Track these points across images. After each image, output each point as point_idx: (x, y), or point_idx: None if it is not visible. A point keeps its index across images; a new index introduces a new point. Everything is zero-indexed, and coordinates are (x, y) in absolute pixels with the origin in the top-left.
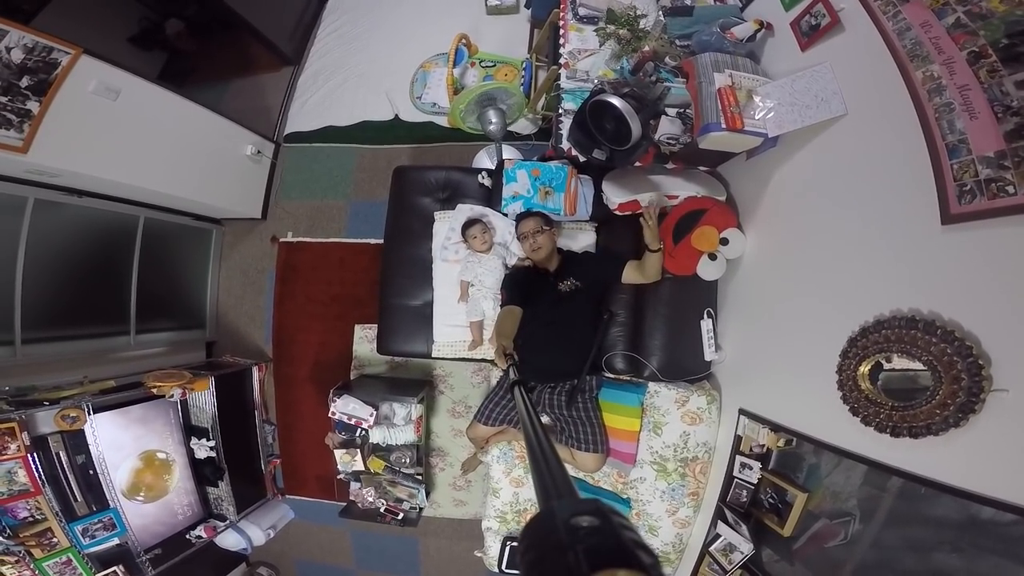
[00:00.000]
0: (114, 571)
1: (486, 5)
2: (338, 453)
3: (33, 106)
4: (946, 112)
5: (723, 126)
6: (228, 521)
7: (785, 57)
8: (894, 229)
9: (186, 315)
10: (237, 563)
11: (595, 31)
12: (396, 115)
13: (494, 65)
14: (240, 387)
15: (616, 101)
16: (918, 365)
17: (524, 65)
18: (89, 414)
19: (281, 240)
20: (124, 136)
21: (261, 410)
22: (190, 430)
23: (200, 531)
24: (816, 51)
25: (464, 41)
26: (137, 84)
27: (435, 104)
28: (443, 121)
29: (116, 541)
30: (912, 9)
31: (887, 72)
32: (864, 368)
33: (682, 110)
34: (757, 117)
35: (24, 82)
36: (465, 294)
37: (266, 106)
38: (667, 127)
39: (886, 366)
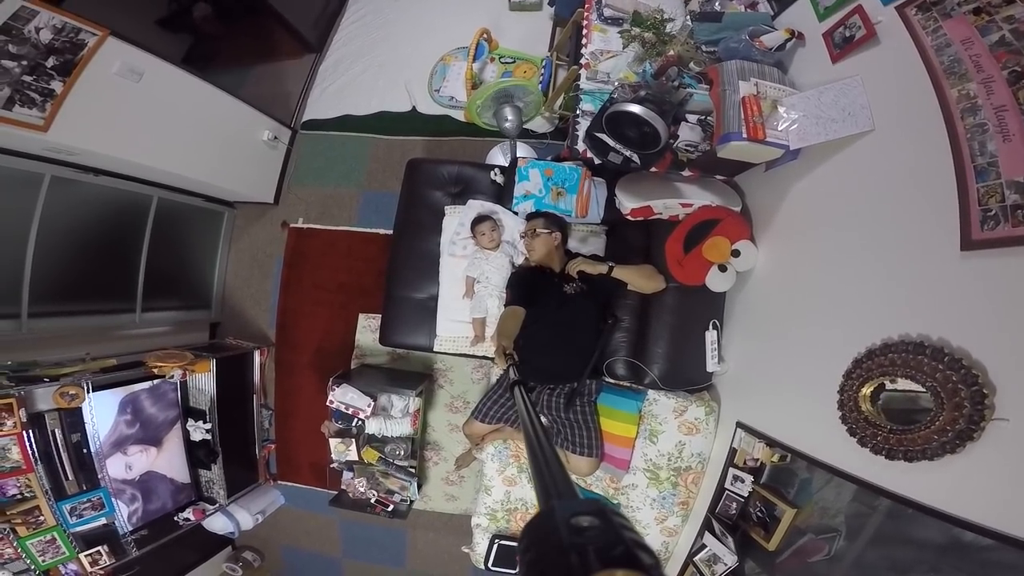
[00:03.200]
0: (98, 551)
1: (509, 1)
2: (333, 442)
3: (57, 86)
4: (978, 133)
5: (744, 136)
6: (218, 505)
7: (814, 68)
8: (911, 251)
9: (192, 295)
10: (223, 546)
11: (619, 33)
12: (413, 107)
13: (513, 62)
14: (241, 371)
15: (635, 108)
16: (920, 389)
17: (544, 63)
18: (88, 392)
19: (291, 226)
20: (144, 117)
21: (260, 394)
22: (188, 412)
23: (189, 513)
24: (847, 64)
25: (485, 36)
26: (160, 67)
27: (452, 98)
28: (459, 115)
29: (103, 521)
30: (955, 25)
31: (920, 88)
32: (867, 390)
33: (703, 117)
34: (780, 128)
35: (50, 62)
36: (470, 290)
37: (286, 93)
38: (686, 134)
39: (888, 386)
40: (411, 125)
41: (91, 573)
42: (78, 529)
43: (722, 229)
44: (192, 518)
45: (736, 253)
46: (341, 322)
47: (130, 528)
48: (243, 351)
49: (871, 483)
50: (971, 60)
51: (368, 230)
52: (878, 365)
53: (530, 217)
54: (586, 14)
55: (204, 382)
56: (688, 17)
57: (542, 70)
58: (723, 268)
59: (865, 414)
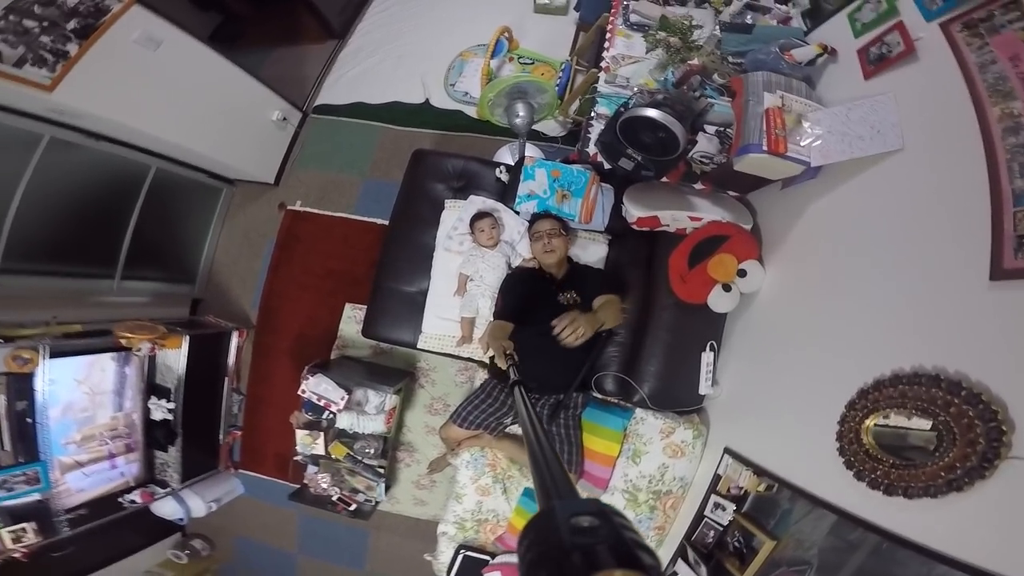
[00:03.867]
0: (23, 528)
1: (535, 3)
2: (300, 433)
3: (72, 48)
4: (1020, 153)
5: (764, 148)
6: (169, 489)
7: (845, 85)
8: (933, 279)
9: (177, 268)
10: (172, 531)
11: (644, 36)
12: (427, 99)
13: (532, 63)
14: (215, 351)
15: (653, 112)
16: (912, 425)
17: (563, 66)
18: (44, 358)
19: (289, 208)
20: (156, 86)
21: (232, 378)
22: (152, 388)
23: (136, 495)
24: (880, 81)
25: (507, 35)
26: (179, 38)
27: (467, 93)
28: (472, 111)
29: (36, 496)
30: (1003, 41)
31: (958, 107)
32: (870, 422)
33: (722, 129)
34: (803, 144)
35: (71, 24)
36: (462, 288)
37: (303, 76)
38: (703, 144)
39: (880, 421)
40: (422, 118)
41: (10, 550)
42: (5, 503)
43: (730, 247)
44: (139, 500)
45: (742, 273)
46: (326, 310)
47: (66, 506)
48: (220, 330)
49: (864, 519)
50: (1018, 78)
51: (366, 218)
52: (886, 397)
53: (537, 216)
54: (612, 18)
55: (174, 359)
56: (717, 27)
57: (560, 73)
58: (727, 288)
59: (866, 447)
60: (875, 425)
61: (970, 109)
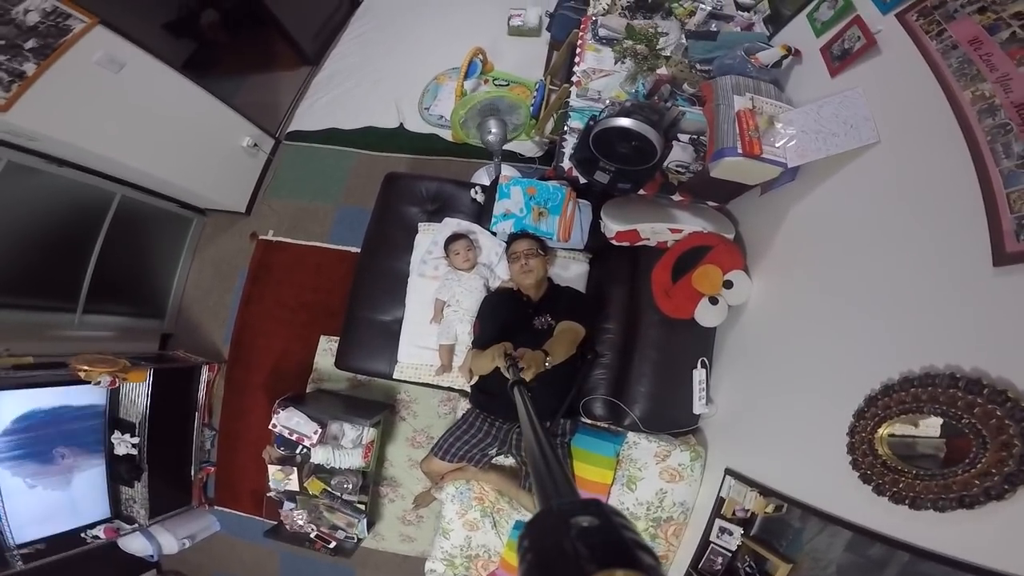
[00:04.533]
0: None
1: (508, 26)
2: (272, 468)
3: (29, 68)
4: (1000, 134)
5: (739, 151)
6: (136, 525)
7: (812, 84)
8: (932, 272)
9: (144, 302)
10: (146, 568)
11: (612, 48)
12: (401, 123)
13: (507, 84)
14: (184, 385)
15: (625, 121)
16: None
17: (537, 86)
18: None
19: (260, 237)
20: (118, 110)
21: (204, 413)
22: (116, 423)
23: (99, 531)
24: (847, 76)
25: (480, 56)
26: (144, 60)
27: (442, 117)
28: (447, 135)
29: None
30: (960, 27)
31: (928, 94)
32: (884, 430)
33: (696, 136)
34: (777, 145)
35: (29, 44)
36: (439, 314)
37: (276, 103)
38: (678, 153)
39: (907, 430)
40: (397, 142)
41: None
42: None
43: (713, 257)
44: (102, 536)
45: (728, 284)
46: (300, 343)
47: (18, 542)
48: (189, 365)
49: (891, 537)
50: (982, 60)
51: (340, 247)
52: (898, 402)
53: (515, 237)
54: (581, 34)
55: (137, 392)
56: (683, 36)
57: (535, 93)
58: (714, 300)
59: (883, 458)
60: (890, 434)
61: (941, 95)
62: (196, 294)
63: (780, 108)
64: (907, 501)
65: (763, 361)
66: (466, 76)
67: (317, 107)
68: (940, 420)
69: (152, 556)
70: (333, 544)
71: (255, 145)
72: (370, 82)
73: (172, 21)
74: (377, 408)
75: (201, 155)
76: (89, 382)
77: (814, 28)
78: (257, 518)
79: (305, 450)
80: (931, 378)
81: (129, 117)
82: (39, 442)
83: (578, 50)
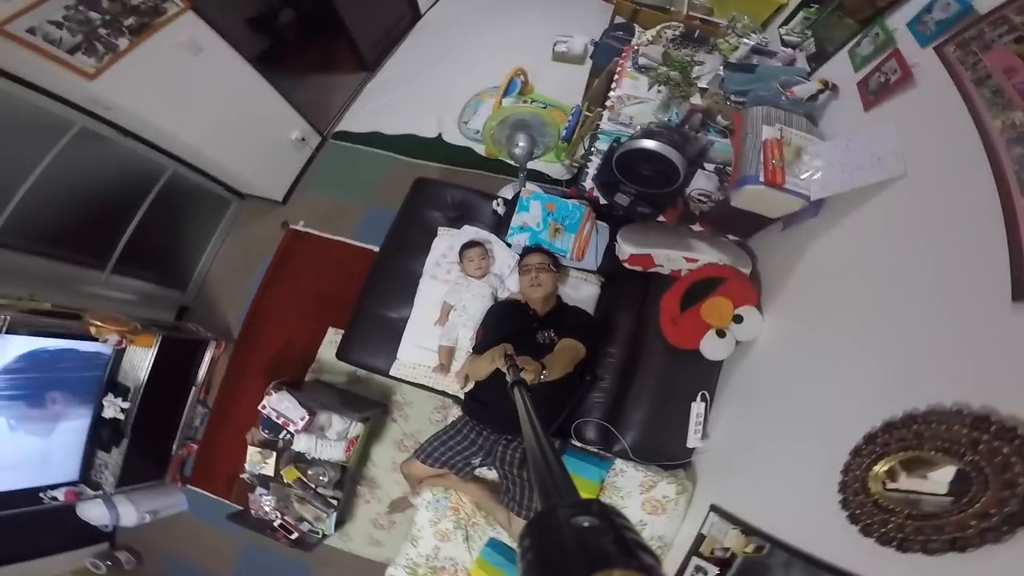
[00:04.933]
0: None
1: (553, 51)
2: (252, 450)
3: (123, 43)
4: None
5: (761, 180)
6: (100, 492)
7: (846, 119)
8: (951, 308)
9: (170, 272)
10: (100, 540)
11: (648, 75)
12: (440, 134)
13: (545, 107)
14: (188, 358)
15: (648, 143)
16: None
17: (573, 111)
18: (1, 330)
19: (291, 227)
20: (187, 91)
21: (201, 390)
22: (111, 385)
23: (59, 493)
24: (880, 110)
25: (522, 76)
26: (220, 47)
27: (478, 131)
28: (481, 149)
29: None
30: (996, 56)
31: (959, 124)
32: (880, 468)
33: (721, 166)
34: (802, 177)
35: (129, 20)
36: (444, 317)
37: (330, 102)
38: (702, 182)
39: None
40: (433, 152)
41: None
42: None
43: (726, 290)
44: (61, 498)
45: (738, 319)
46: (308, 332)
47: None
48: (197, 338)
49: None
50: (1015, 89)
51: (363, 245)
52: (898, 439)
53: (528, 251)
54: (621, 61)
55: (140, 358)
56: (721, 67)
57: (570, 117)
58: (721, 334)
59: (875, 496)
60: (884, 471)
61: (971, 125)
62: (221, 273)
63: (810, 141)
64: (894, 543)
65: (765, 400)
66: (505, 93)
67: (366, 110)
68: (942, 457)
69: (107, 526)
70: (295, 535)
71: (303, 139)
72: (417, 92)
73: (254, 16)
74: (370, 405)
75: (252, 142)
76: (98, 339)
77: (854, 63)
78: (225, 502)
79: (289, 436)
80: (935, 414)
81: (195, 98)
82: (35, 384)
83: (616, 76)
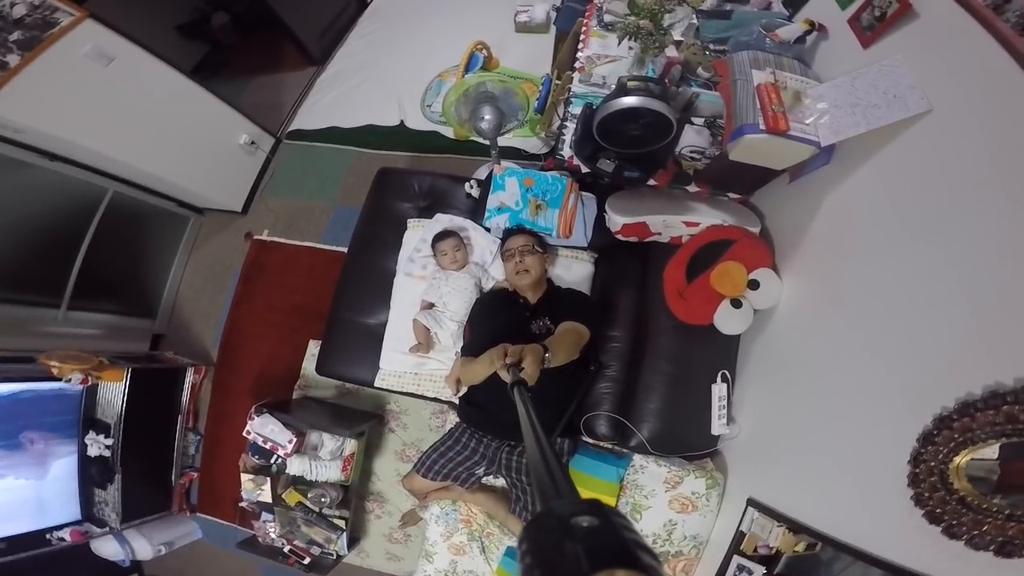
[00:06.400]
0: None
1: (515, 22)
2: (244, 477)
3: (13, 59)
4: None
5: (762, 127)
6: (107, 528)
7: (843, 58)
8: (1009, 257)
9: (135, 301)
10: (126, 573)
11: (616, 30)
12: (401, 121)
13: (514, 80)
14: (167, 387)
15: (628, 100)
16: None
17: (543, 80)
18: None
19: (255, 237)
20: (107, 104)
21: (188, 417)
22: (91, 423)
23: (65, 533)
24: (881, 46)
25: (483, 50)
26: (135, 54)
27: (443, 114)
28: (449, 132)
29: None
30: None
31: (984, 54)
32: (962, 459)
33: (711, 119)
34: (807, 122)
35: (15, 36)
36: (424, 340)
37: (280, 102)
38: (692, 137)
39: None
40: (397, 140)
41: None
42: None
43: (736, 253)
44: (68, 538)
45: (754, 285)
46: (290, 347)
47: None
48: (173, 366)
49: None
50: None
51: (333, 248)
52: (982, 424)
53: (509, 233)
54: (586, 21)
55: (114, 392)
56: (694, 15)
57: (540, 87)
58: (737, 304)
59: (961, 493)
60: (970, 463)
61: (1002, 53)
62: (189, 294)
63: (807, 83)
64: (992, 547)
65: (797, 374)
66: (467, 69)
67: (320, 106)
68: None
69: (124, 561)
70: (308, 560)
71: (253, 143)
72: (374, 80)
73: (184, 24)
74: (363, 418)
75: (196, 152)
76: (61, 379)
77: (838, 1)
78: (239, 528)
79: (280, 460)
80: None
81: (119, 111)
82: (4, 425)
83: (582, 38)
